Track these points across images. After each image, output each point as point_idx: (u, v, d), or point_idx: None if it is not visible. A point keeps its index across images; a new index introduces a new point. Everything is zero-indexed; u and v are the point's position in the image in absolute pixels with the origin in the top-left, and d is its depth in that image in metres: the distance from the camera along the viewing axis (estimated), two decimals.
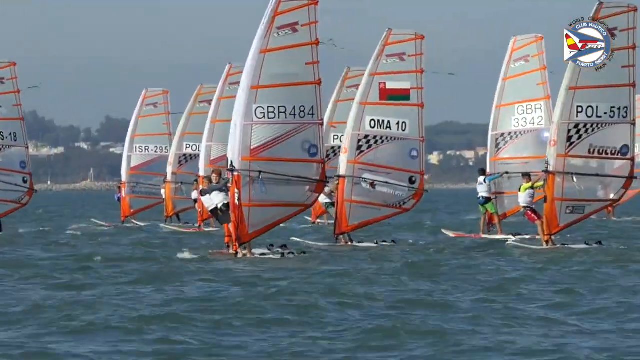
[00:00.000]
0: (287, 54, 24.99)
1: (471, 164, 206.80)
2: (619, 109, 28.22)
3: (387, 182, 29.19)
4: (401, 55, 29.37)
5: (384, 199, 29.30)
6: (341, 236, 29.29)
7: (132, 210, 37.68)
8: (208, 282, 19.31)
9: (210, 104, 35.22)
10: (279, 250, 25.92)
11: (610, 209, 33.33)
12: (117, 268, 22.67)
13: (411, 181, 29.40)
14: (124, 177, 37.73)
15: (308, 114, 25.17)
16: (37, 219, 52.15)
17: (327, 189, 29.47)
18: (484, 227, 32.94)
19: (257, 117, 24.97)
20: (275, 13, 24.65)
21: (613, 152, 28.52)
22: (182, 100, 38.74)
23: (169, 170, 37.01)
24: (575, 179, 28.48)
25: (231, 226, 25.35)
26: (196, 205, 34.48)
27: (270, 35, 24.69)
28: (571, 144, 28.78)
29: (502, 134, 32.62)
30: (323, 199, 31.18)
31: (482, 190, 32.36)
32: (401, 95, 29.26)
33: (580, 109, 27.79)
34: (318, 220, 38.37)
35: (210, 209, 27.60)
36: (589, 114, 28.21)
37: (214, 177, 26.56)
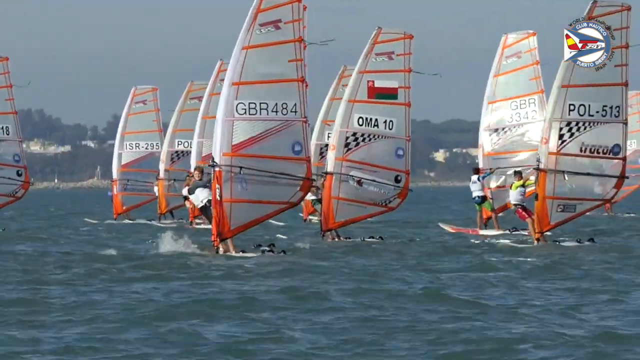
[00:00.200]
0: (269, 51, 24.95)
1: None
2: (611, 108, 28.08)
3: (373, 180, 29.18)
4: (390, 54, 29.40)
5: (370, 196, 29.35)
6: (328, 233, 29.31)
7: (124, 208, 37.67)
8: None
9: (200, 101, 35.36)
10: (263, 248, 25.95)
11: (608, 205, 33.16)
12: None
13: (397, 180, 29.38)
14: (115, 175, 37.74)
15: (291, 111, 25.14)
16: (51, 216, 52.13)
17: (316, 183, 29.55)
18: (481, 223, 32.90)
19: (238, 113, 24.95)
20: (257, 10, 24.63)
21: (605, 151, 28.38)
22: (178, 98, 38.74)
23: (162, 167, 37.05)
24: (566, 177, 28.43)
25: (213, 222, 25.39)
26: (186, 202, 34.45)
27: (252, 32, 24.67)
28: (563, 142, 28.73)
29: (496, 130, 32.53)
30: (309, 196, 31.16)
31: (477, 189, 32.33)
32: (389, 94, 29.22)
33: (572, 107, 27.66)
34: (310, 218, 38.32)
35: (199, 206, 27.69)
36: (581, 113, 28.09)
37: (196, 174, 26.60)
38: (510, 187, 30.94)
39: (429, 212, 56.77)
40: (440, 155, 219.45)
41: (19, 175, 33.89)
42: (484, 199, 32.56)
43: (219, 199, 24.98)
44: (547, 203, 29.01)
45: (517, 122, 32.11)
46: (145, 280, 19.49)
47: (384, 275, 19.78)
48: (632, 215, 42.33)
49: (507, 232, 31.93)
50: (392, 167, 29.40)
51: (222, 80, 34.92)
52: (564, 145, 28.77)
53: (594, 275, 19.94)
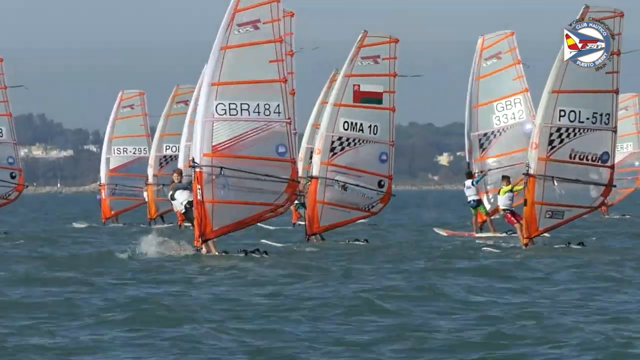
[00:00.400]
0: (249, 51, 24.83)
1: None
2: (601, 115, 27.90)
3: (358, 185, 29.01)
4: (375, 58, 29.25)
5: (354, 201, 29.23)
6: (313, 237, 29.13)
7: (112, 212, 37.47)
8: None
9: (187, 105, 35.26)
10: (246, 250, 25.85)
11: (604, 208, 33.02)
12: None
13: (380, 185, 29.25)
14: (103, 179, 37.55)
15: (274, 113, 24.99)
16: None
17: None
18: (476, 227, 32.68)
19: (218, 113, 24.81)
20: (235, 10, 24.51)
21: (594, 158, 28.18)
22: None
23: (150, 172, 36.85)
24: (556, 183, 28.28)
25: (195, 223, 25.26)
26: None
27: (230, 32, 24.55)
28: (552, 147, 28.58)
29: (485, 134, 32.29)
30: None
31: (472, 194, 32.08)
32: (374, 99, 29.07)
33: (562, 113, 27.50)
34: (299, 222, 38.11)
35: (180, 209, 27.55)
36: (572, 119, 27.92)
37: (175, 176, 26.50)
38: (499, 192, 30.77)
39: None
40: (444, 159, 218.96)
41: (12, 177, 33.77)
42: (479, 202, 32.37)
43: (200, 199, 24.87)
44: (536, 208, 28.93)
45: (505, 124, 31.88)
46: (121, 281, 19.39)
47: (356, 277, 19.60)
48: (627, 217, 42.22)
49: (504, 234, 31.67)
50: (376, 172, 29.30)
51: None
52: (554, 151, 28.65)
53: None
